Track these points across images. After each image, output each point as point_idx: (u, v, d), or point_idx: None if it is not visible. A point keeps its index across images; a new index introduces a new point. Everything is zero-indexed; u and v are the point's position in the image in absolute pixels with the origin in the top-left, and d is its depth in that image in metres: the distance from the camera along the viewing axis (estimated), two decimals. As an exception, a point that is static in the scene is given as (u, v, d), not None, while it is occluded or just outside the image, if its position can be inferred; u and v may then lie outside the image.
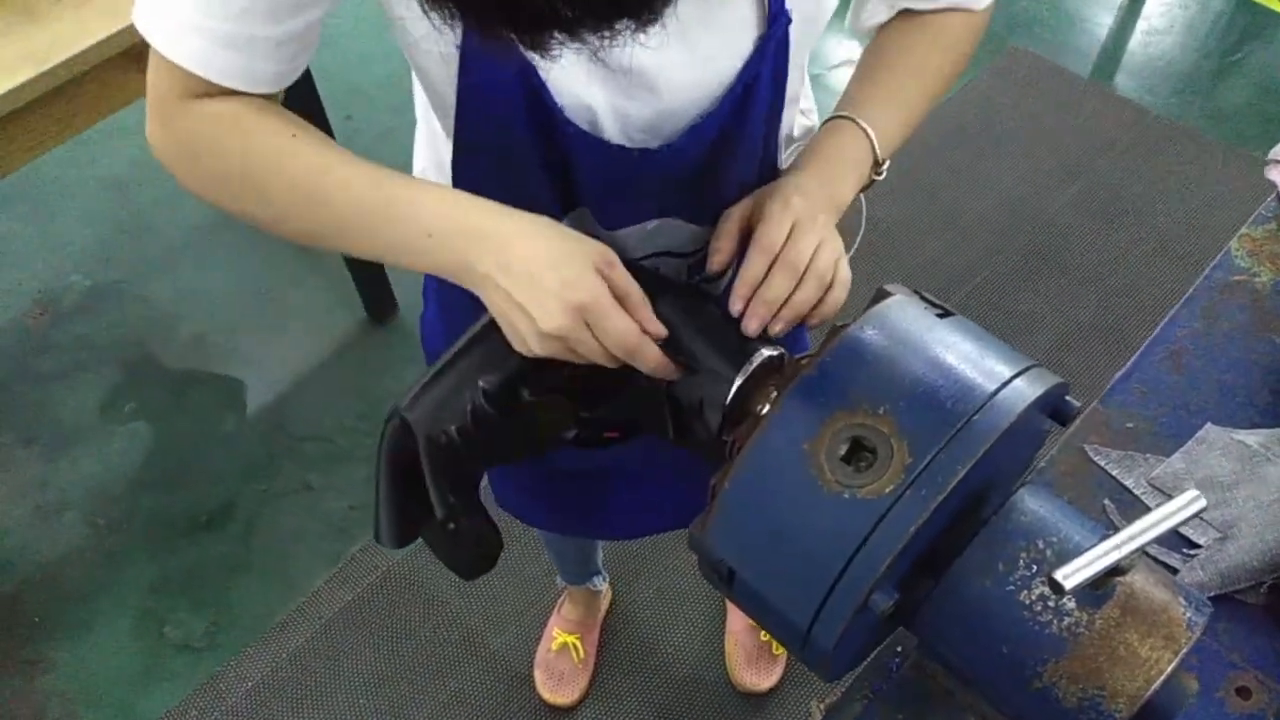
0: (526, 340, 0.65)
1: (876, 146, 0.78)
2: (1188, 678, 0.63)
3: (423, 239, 0.65)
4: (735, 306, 0.70)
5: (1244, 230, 1.06)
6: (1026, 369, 0.62)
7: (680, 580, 1.80)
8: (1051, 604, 0.60)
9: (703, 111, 0.71)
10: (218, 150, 0.68)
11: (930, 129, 2.50)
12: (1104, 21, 2.85)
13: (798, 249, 0.70)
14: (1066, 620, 0.60)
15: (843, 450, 0.58)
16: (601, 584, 1.69)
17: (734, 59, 0.69)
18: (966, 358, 0.61)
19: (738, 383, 0.67)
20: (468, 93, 0.67)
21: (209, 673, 1.73)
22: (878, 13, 0.84)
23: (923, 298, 0.66)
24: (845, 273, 0.73)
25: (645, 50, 0.61)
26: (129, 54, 1.41)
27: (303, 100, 1.73)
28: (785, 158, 0.89)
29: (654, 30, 0.50)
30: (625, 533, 1.17)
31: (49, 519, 1.91)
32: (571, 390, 0.72)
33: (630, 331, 0.65)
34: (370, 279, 2.09)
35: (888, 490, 0.57)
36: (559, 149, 0.71)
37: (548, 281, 0.63)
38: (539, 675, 1.68)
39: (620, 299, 0.65)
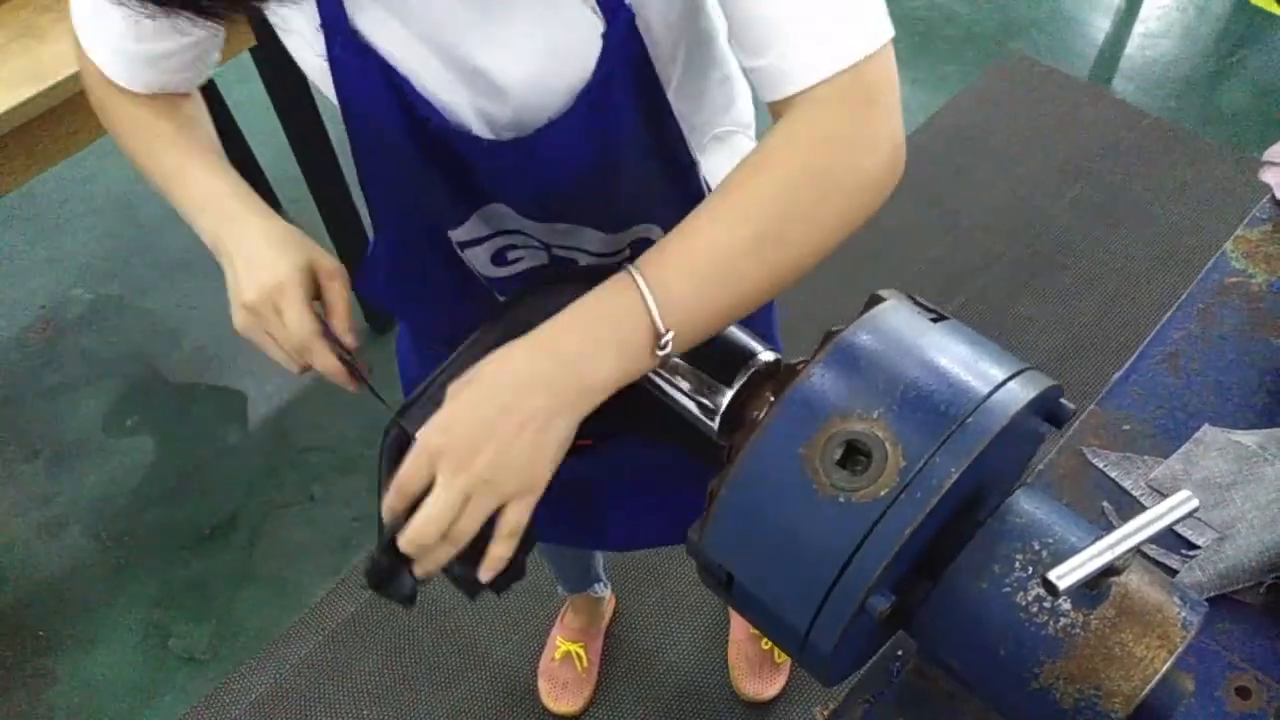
0: (234, 315, 0.75)
1: (655, 314, 0.60)
2: (1184, 677, 0.63)
3: (199, 214, 0.77)
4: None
5: (1239, 232, 1.06)
6: (1020, 371, 0.62)
7: (683, 588, 1.80)
8: (1047, 605, 0.61)
9: (559, 109, 0.69)
10: (107, 121, 0.82)
11: (929, 133, 2.51)
12: (1101, 25, 2.86)
13: (431, 510, 0.59)
14: (1062, 621, 0.60)
15: (838, 454, 0.58)
16: (604, 590, 1.69)
17: (584, 59, 0.66)
18: (959, 361, 0.62)
19: (733, 390, 0.67)
20: (345, 104, 0.71)
21: (213, 685, 1.73)
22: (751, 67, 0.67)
23: (916, 302, 0.66)
24: (510, 522, 0.60)
25: (487, 52, 0.66)
26: (129, 70, 1.43)
27: (301, 110, 1.75)
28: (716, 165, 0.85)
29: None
30: (621, 543, 1.17)
31: (53, 533, 1.92)
32: None
33: (303, 328, 0.72)
34: (371, 290, 2.10)
35: (882, 493, 0.57)
36: (445, 151, 0.72)
37: (256, 263, 0.72)
38: (543, 684, 1.68)
39: (327, 307, 0.74)
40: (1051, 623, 0.60)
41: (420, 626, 1.78)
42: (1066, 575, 0.56)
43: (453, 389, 0.61)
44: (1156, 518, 0.59)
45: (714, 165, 0.85)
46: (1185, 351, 0.97)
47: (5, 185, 1.44)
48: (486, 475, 0.59)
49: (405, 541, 0.60)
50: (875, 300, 0.66)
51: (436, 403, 0.67)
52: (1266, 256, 1.04)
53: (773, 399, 0.64)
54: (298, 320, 0.72)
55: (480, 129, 0.71)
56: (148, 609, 1.83)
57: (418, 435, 0.60)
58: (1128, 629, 0.60)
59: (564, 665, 1.68)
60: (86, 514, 1.94)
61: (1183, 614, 0.61)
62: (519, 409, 0.59)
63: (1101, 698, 0.60)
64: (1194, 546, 0.85)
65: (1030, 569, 0.61)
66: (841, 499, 0.57)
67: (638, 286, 0.60)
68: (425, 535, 0.59)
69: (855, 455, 0.58)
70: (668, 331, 0.60)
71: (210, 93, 2.11)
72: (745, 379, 0.67)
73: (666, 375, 0.69)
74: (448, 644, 1.76)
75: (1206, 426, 0.92)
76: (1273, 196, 1.08)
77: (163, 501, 1.96)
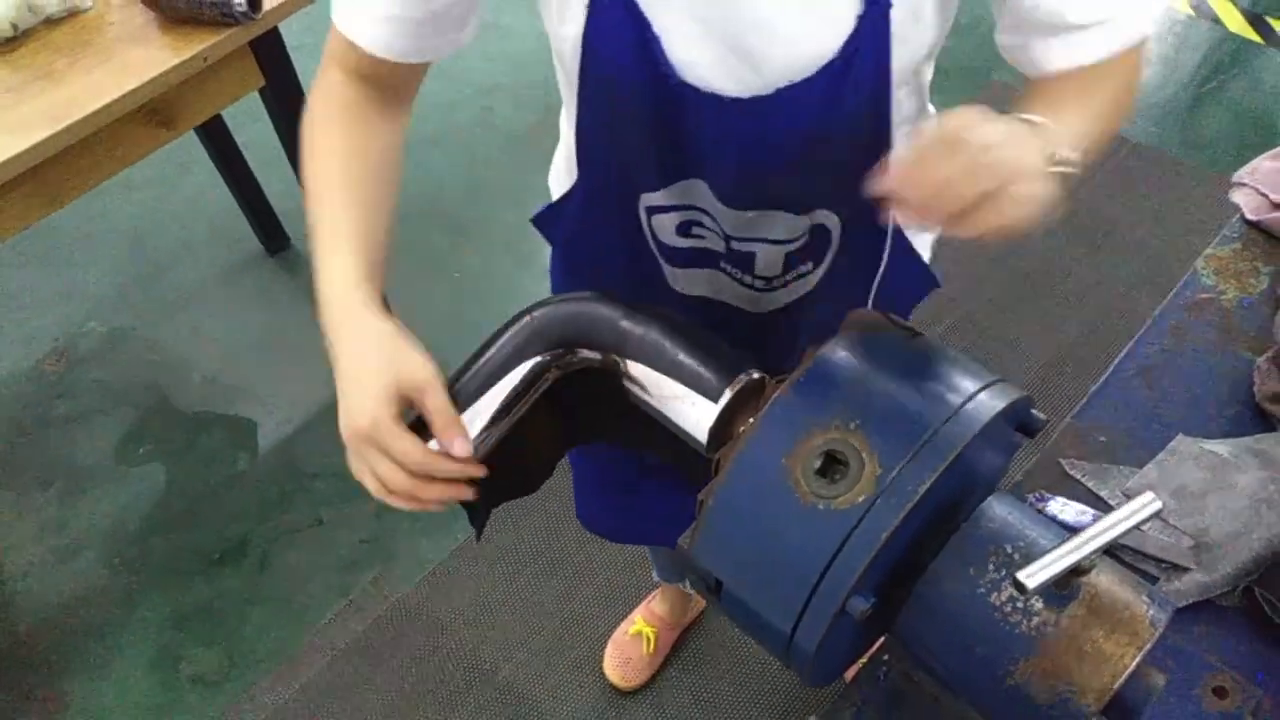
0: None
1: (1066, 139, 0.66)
2: (1154, 673, 0.66)
3: (325, 308, 0.74)
4: (881, 185, 0.62)
5: (1210, 250, 1.10)
6: (990, 384, 0.65)
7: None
8: (1020, 605, 0.63)
9: (800, 75, 0.74)
10: (305, 151, 0.86)
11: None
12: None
13: (979, 130, 0.59)
14: (1035, 620, 0.63)
15: (818, 464, 0.62)
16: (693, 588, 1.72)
17: (836, 34, 0.71)
18: (932, 375, 0.65)
19: (721, 406, 0.71)
20: (590, 54, 0.75)
21: (224, 706, 1.76)
22: (1047, 57, 0.75)
23: (892, 321, 0.70)
24: (1035, 188, 0.60)
25: (748, 10, 0.70)
26: (140, 112, 1.48)
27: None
28: None
29: None
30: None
31: (66, 559, 1.95)
32: (556, 409, 0.76)
33: (411, 454, 0.67)
34: (377, 318, 2.13)
35: (860, 499, 0.60)
36: (675, 110, 0.76)
37: (348, 397, 0.69)
38: (609, 650, 1.75)
39: (431, 418, 0.68)
40: (1025, 622, 0.63)
41: (427, 646, 1.81)
42: (1035, 574, 0.59)
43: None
44: (1121, 519, 0.62)
45: None
46: (1159, 365, 1.01)
47: (22, 222, 1.47)
48: (1030, 138, 0.64)
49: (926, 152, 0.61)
50: (851, 321, 0.70)
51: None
52: (1236, 273, 1.08)
53: (756, 414, 0.68)
54: (404, 450, 0.67)
55: (721, 84, 0.75)
56: (159, 633, 1.86)
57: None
58: (1098, 627, 0.63)
59: (634, 642, 1.73)
60: (99, 540, 1.97)
61: (1151, 612, 0.64)
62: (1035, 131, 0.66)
63: (1075, 693, 0.62)
64: (1176, 566, 0.88)
65: (1003, 571, 0.64)
66: (822, 506, 0.61)
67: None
68: (957, 145, 0.61)
69: (834, 464, 0.61)
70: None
71: (220, 132, 2.17)
72: (731, 396, 0.71)
73: (656, 392, 0.73)
74: (454, 663, 1.79)
75: (1180, 436, 0.95)
76: (1242, 215, 1.12)
77: (174, 527, 1.99)
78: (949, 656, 0.67)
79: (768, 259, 0.89)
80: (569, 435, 0.84)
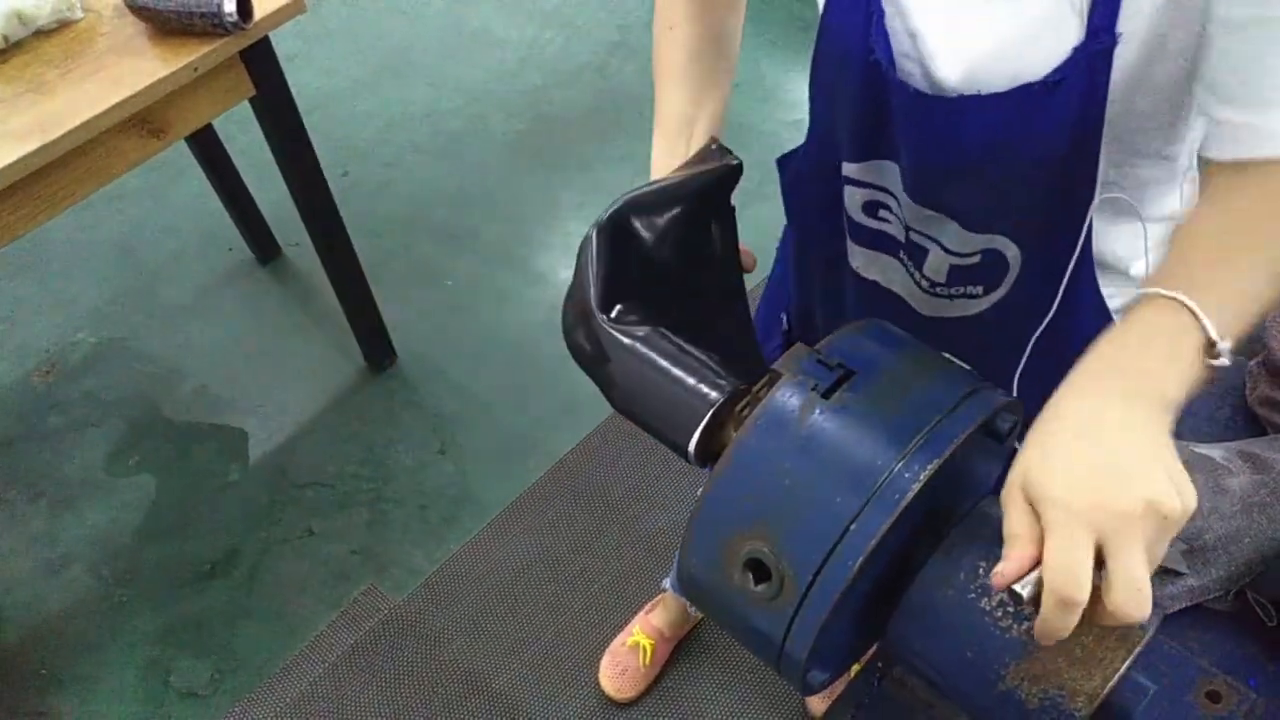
0: None
1: (1206, 322, 0.58)
2: (1145, 677, 0.66)
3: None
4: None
5: (1200, 254, 1.10)
6: (911, 448, 0.59)
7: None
8: (1011, 609, 0.63)
9: (994, 88, 0.74)
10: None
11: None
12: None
13: (1060, 563, 0.53)
14: (1025, 624, 0.63)
15: (745, 570, 0.61)
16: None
17: (1045, 57, 0.70)
18: (843, 454, 0.60)
19: (695, 439, 0.68)
20: (825, 19, 0.79)
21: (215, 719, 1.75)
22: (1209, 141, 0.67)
23: (819, 362, 0.64)
24: (1134, 574, 0.52)
25: (961, 15, 0.72)
26: (131, 122, 1.47)
27: (300, 158, 1.80)
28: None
29: None
30: None
31: (56, 572, 1.94)
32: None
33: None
34: (368, 329, 2.14)
35: (787, 608, 0.60)
36: (879, 91, 0.78)
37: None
38: (606, 659, 1.75)
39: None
40: (1015, 626, 0.63)
41: (419, 658, 1.80)
42: (1027, 583, 0.59)
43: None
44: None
45: (1098, 227, 0.82)
46: (1150, 370, 1.01)
47: (12, 233, 1.47)
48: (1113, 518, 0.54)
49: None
50: (773, 376, 0.67)
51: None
52: (1226, 278, 1.08)
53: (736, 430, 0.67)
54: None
55: (919, 81, 0.76)
56: (149, 645, 1.85)
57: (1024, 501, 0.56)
58: (1087, 631, 0.62)
59: (631, 653, 1.73)
60: (89, 552, 1.96)
61: (1141, 615, 0.64)
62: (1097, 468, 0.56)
63: (1065, 697, 0.62)
64: (1169, 571, 0.88)
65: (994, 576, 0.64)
66: (759, 605, 0.61)
67: (1180, 303, 0.59)
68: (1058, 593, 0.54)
69: (760, 569, 0.61)
70: (1222, 340, 0.58)
71: (211, 142, 2.17)
72: (703, 425, 0.68)
73: (641, 416, 0.72)
74: (447, 674, 1.78)
75: (1173, 440, 0.95)
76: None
77: (164, 539, 1.98)
78: (940, 662, 0.67)
79: (936, 262, 0.90)
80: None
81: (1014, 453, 0.73)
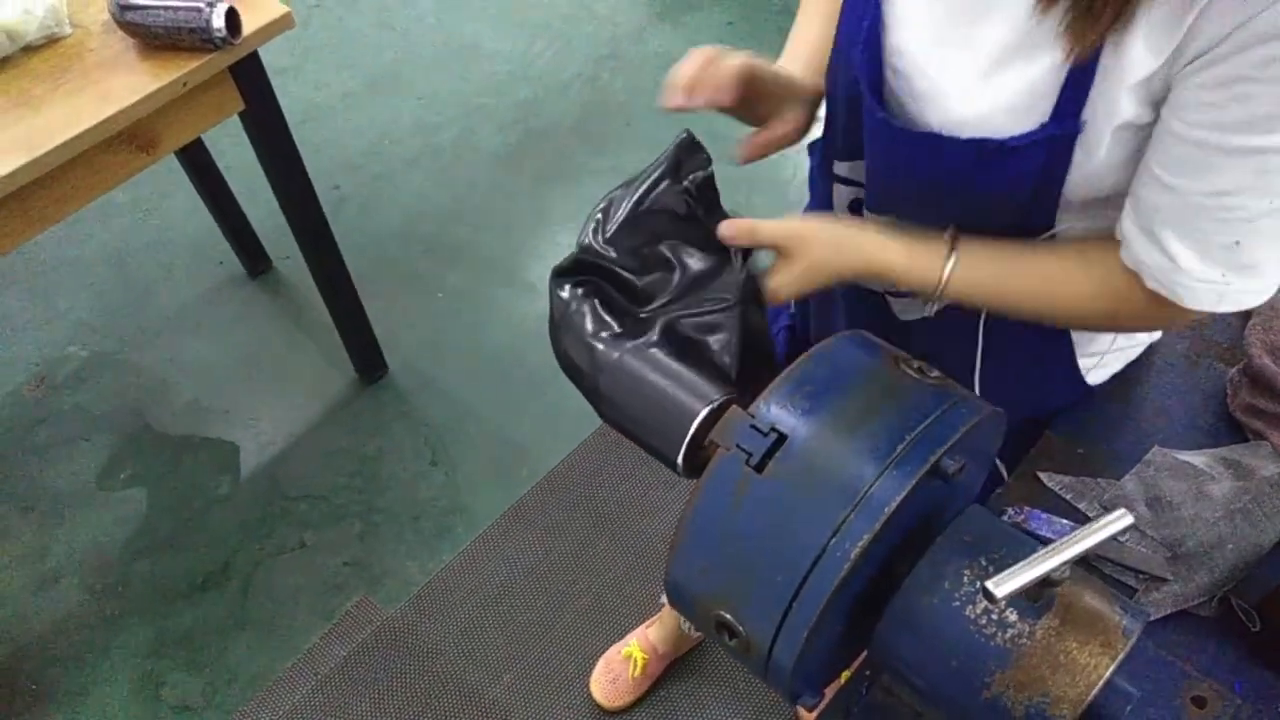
0: None
1: (944, 278, 0.80)
2: (1129, 683, 0.66)
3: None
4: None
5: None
6: (853, 506, 0.61)
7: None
8: (995, 617, 0.64)
9: (953, 133, 0.77)
10: None
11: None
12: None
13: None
14: (1009, 632, 0.64)
15: (715, 630, 0.66)
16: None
17: (1014, 128, 0.74)
18: (781, 528, 0.62)
19: (680, 455, 0.70)
20: (843, 12, 0.83)
21: (207, 734, 1.74)
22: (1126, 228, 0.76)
23: (753, 427, 0.64)
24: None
25: (950, 57, 0.76)
26: (120, 137, 1.48)
27: (290, 172, 1.80)
28: None
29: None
30: None
31: (47, 586, 1.93)
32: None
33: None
34: (360, 341, 2.14)
35: (759, 659, 0.64)
36: (857, 98, 0.82)
37: None
38: (600, 665, 1.76)
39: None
40: (1000, 634, 0.64)
41: (413, 669, 1.80)
42: (1004, 583, 0.59)
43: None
44: (1092, 532, 0.62)
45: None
46: (1134, 377, 1.02)
47: (1, 248, 1.47)
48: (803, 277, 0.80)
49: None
50: (711, 447, 0.67)
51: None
52: (1208, 286, 1.09)
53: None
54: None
55: (893, 106, 0.81)
56: (141, 659, 1.84)
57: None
58: (1071, 637, 0.63)
59: (624, 663, 1.74)
60: (80, 566, 1.96)
61: (1124, 622, 0.65)
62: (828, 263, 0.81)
63: (1050, 704, 0.63)
64: (1154, 577, 0.88)
65: (978, 584, 0.64)
66: (736, 653, 0.66)
67: (949, 249, 0.80)
68: None
69: (728, 629, 0.65)
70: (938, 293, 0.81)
71: (201, 156, 2.17)
72: (689, 438, 0.70)
73: (629, 429, 0.73)
74: (440, 686, 1.78)
75: (1156, 448, 0.96)
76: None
77: (155, 552, 1.98)
78: (926, 670, 0.67)
79: None
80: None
81: (992, 461, 0.75)
